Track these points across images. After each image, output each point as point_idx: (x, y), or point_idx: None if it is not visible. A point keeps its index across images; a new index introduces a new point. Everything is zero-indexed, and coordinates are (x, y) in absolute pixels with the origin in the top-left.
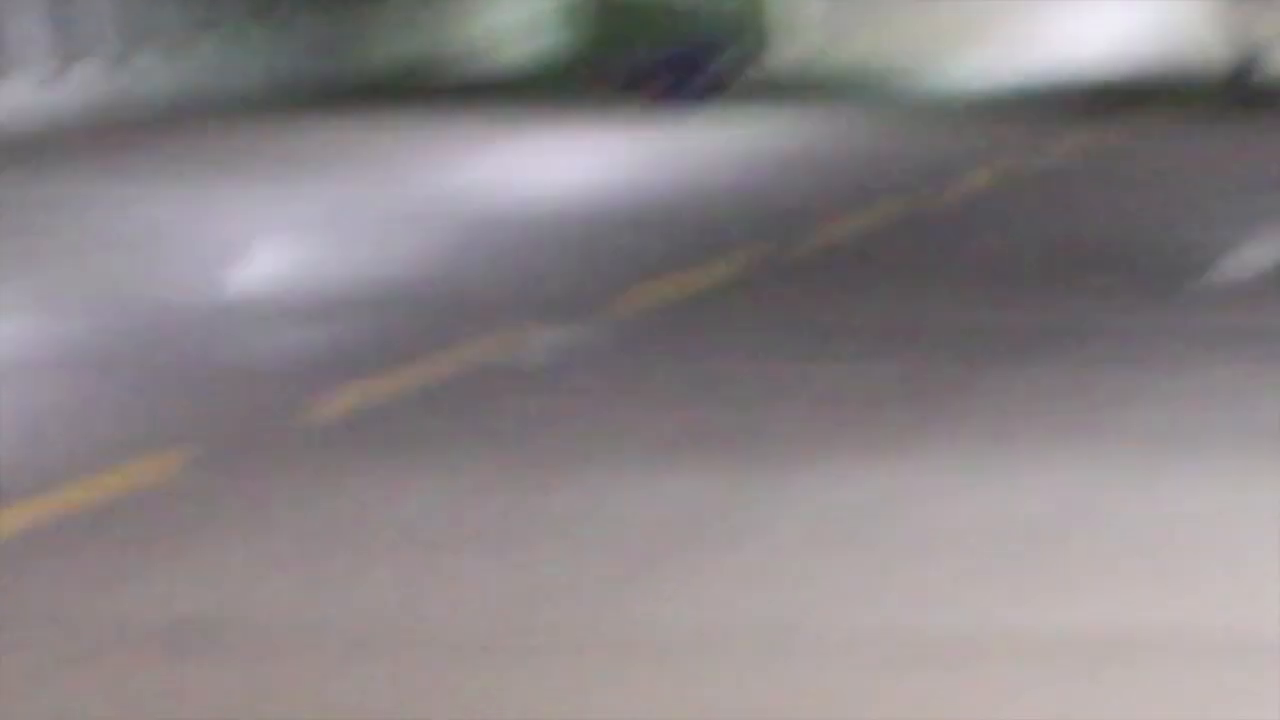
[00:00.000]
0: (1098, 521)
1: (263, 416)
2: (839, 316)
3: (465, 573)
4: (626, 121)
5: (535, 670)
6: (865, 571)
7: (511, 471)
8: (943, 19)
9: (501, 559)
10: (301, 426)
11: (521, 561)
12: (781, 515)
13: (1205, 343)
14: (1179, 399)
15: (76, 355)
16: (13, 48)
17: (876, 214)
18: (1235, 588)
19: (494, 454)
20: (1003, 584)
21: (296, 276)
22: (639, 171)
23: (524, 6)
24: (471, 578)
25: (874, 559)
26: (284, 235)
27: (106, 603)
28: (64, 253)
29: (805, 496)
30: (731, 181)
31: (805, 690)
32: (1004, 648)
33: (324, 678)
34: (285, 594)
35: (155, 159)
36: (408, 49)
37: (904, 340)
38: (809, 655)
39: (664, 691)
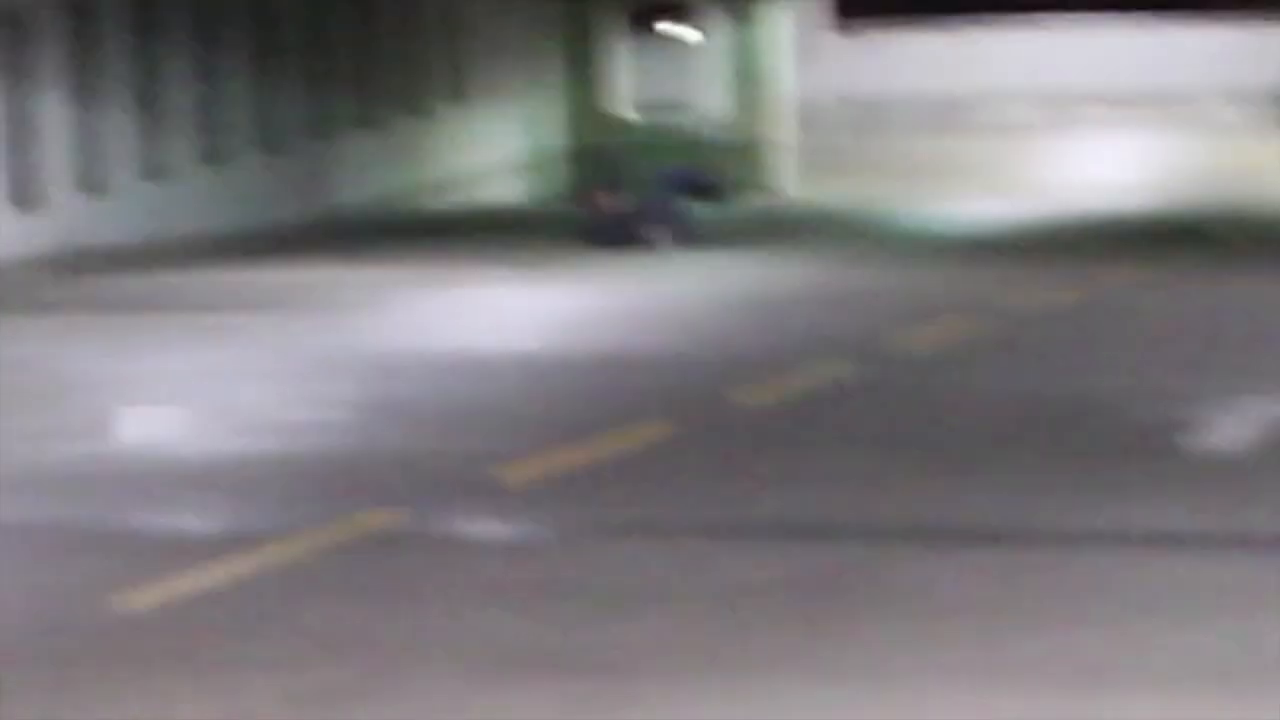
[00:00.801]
0: None
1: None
2: (745, 503)
3: None
4: (588, 267)
5: None
6: None
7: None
8: (942, 156)
9: None
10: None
11: None
12: None
13: (1178, 544)
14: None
15: None
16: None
17: (831, 369)
18: None
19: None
20: None
21: (185, 438)
22: (587, 321)
23: (496, 148)
24: None
25: None
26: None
27: None
28: None
29: None
30: (683, 332)
31: None
32: None
33: None
34: None
35: (94, 301)
36: (373, 189)
37: (815, 534)
38: None
39: None
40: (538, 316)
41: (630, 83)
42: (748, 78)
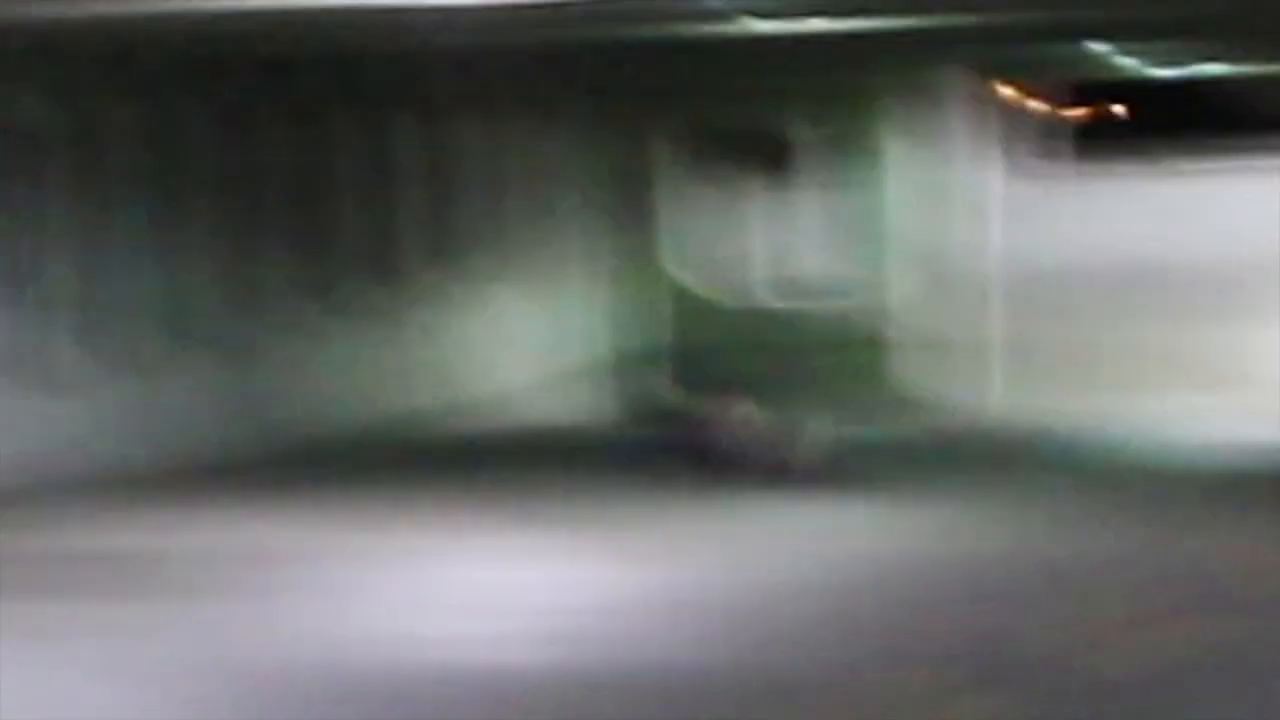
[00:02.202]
0: None
1: None
2: None
3: None
4: (675, 513)
5: None
6: None
7: None
8: (1182, 348)
9: None
10: None
11: None
12: None
13: None
14: None
15: None
16: None
17: (960, 707)
18: None
19: None
20: None
21: None
22: (658, 610)
23: (554, 350)
24: None
25: None
26: None
27: None
28: None
29: None
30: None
31: None
32: None
33: None
34: None
35: None
36: (378, 402)
37: None
38: None
39: None
40: (569, 608)
41: (723, 246)
42: (893, 240)
